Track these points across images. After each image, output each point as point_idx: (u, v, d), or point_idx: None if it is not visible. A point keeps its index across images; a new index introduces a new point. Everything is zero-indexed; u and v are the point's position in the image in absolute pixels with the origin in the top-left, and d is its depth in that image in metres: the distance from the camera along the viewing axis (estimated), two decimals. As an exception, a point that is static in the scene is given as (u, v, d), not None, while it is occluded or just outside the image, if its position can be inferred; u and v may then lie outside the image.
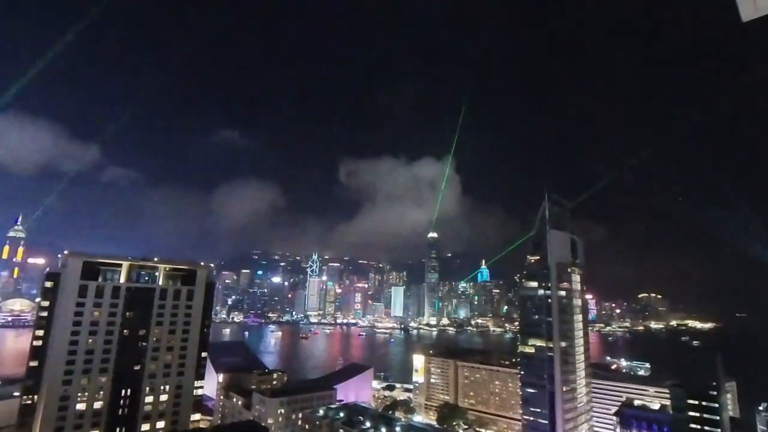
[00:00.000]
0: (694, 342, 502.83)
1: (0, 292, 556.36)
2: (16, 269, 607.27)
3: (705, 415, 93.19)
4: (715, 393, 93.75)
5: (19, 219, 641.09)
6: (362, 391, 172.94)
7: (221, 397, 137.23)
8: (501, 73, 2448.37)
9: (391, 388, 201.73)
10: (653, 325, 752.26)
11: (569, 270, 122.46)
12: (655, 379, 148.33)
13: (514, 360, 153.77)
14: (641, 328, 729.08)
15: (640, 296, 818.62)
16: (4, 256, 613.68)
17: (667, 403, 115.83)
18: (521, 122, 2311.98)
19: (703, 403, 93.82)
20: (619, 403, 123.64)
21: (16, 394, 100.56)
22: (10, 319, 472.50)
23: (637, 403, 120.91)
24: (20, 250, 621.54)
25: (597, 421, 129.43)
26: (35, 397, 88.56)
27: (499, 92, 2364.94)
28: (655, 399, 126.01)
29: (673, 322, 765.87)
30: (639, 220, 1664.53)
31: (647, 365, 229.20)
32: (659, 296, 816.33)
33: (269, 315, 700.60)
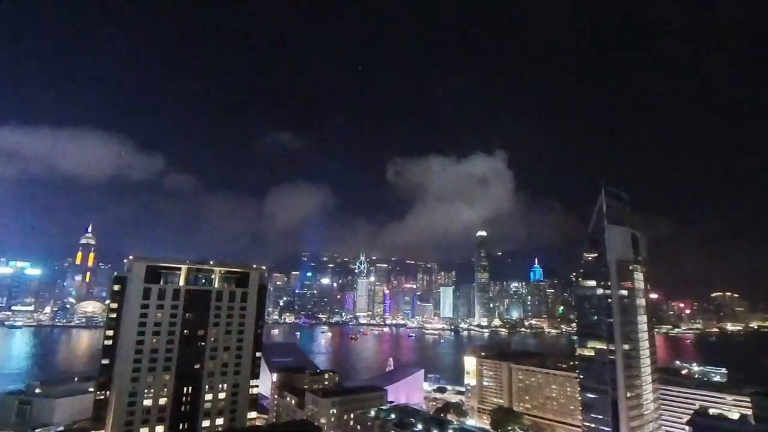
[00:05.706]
0: None
1: (74, 295, 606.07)
2: (88, 273, 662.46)
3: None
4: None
5: (89, 227, 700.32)
6: (413, 392, 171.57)
7: (276, 396, 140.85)
8: (555, 61, 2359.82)
9: (442, 390, 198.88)
10: (729, 326, 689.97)
11: (631, 268, 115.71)
12: (734, 385, 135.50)
13: (572, 363, 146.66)
14: (715, 330, 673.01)
15: (713, 295, 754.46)
16: (78, 261, 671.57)
17: (748, 412, 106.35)
18: (577, 112, 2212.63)
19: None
20: (692, 412, 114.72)
21: (92, 389, 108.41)
22: (84, 320, 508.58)
23: (712, 411, 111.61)
24: (91, 255, 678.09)
25: (666, 430, 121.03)
26: (107, 392, 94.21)
27: (553, 79, 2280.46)
28: (733, 408, 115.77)
29: (754, 324, 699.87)
30: (710, 213, 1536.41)
31: (723, 370, 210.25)
32: (736, 295, 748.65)
33: (319, 316, 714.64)
